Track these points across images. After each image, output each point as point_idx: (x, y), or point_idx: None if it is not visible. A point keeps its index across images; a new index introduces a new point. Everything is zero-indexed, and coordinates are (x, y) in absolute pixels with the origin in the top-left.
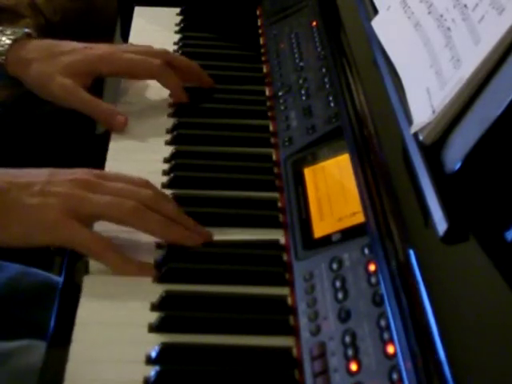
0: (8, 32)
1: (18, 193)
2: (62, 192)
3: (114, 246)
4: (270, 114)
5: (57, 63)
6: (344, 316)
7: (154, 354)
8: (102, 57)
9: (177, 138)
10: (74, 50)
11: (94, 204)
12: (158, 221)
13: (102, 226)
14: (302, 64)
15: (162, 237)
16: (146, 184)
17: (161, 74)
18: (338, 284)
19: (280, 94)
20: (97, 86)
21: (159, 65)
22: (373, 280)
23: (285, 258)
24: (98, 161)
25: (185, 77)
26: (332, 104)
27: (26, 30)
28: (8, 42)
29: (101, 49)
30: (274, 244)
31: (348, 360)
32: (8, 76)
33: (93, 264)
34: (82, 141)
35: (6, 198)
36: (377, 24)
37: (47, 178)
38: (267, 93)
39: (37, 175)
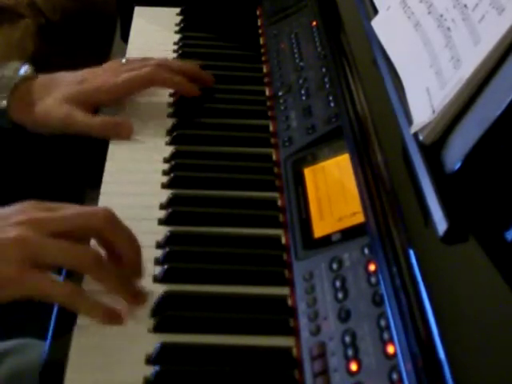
0: (9, 75)
1: None
2: (14, 240)
3: (83, 291)
4: (270, 113)
5: (54, 97)
6: (344, 316)
7: (154, 354)
8: (97, 88)
9: (177, 138)
10: (70, 84)
11: (51, 252)
12: (115, 276)
13: None
14: (302, 64)
15: (117, 293)
16: (103, 211)
17: (157, 77)
18: (338, 284)
19: (280, 94)
20: None
21: (152, 71)
22: (373, 280)
23: (285, 257)
24: (98, 161)
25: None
26: (332, 104)
27: (23, 71)
28: (8, 87)
29: (96, 78)
30: (275, 240)
31: (348, 360)
32: (10, 122)
33: None
34: (81, 141)
35: None
36: (377, 24)
37: None
38: (267, 93)
39: None
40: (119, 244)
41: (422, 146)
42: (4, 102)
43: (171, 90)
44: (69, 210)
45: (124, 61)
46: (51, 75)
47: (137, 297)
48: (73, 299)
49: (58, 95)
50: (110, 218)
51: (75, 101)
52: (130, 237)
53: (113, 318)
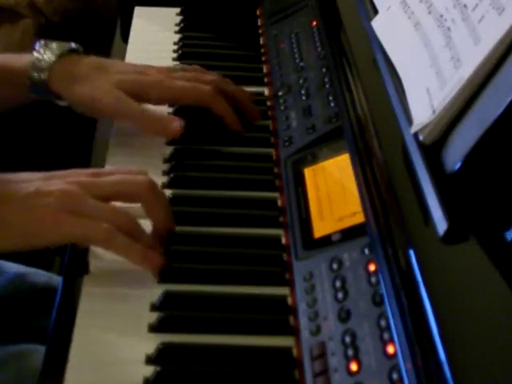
0: (53, 46)
1: (13, 198)
2: (57, 190)
3: (117, 232)
4: (269, 113)
5: (108, 79)
6: (344, 316)
7: (153, 354)
8: (154, 83)
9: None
10: (126, 71)
11: (88, 209)
12: (123, 241)
13: None
14: (302, 64)
15: (126, 257)
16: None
17: (212, 101)
18: (338, 284)
19: (280, 94)
20: None
21: (210, 92)
22: (373, 280)
23: (285, 257)
24: (98, 161)
25: (234, 104)
26: (332, 104)
27: (73, 45)
28: (53, 58)
29: (152, 74)
30: (275, 240)
31: (348, 360)
32: (50, 92)
33: (93, 264)
34: (81, 141)
35: (2, 206)
36: (377, 24)
37: (41, 182)
38: (267, 93)
39: (30, 179)
40: (154, 215)
41: (422, 146)
42: (44, 75)
43: None
44: (113, 176)
45: (174, 65)
46: (103, 58)
47: (147, 259)
48: (109, 239)
49: (111, 79)
50: (152, 188)
51: (128, 89)
52: (166, 211)
53: (147, 259)
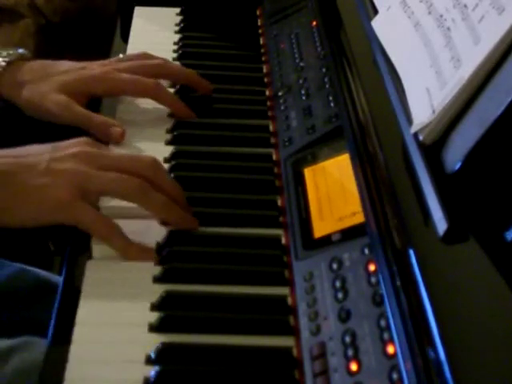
0: (3, 54)
1: (23, 174)
2: (68, 169)
3: (119, 229)
4: (270, 113)
5: (51, 83)
6: (344, 316)
7: (153, 354)
8: (96, 77)
9: (177, 137)
10: (68, 71)
11: (100, 181)
12: (161, 201)
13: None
14: (302, 64)
15: (163, 217)
16: (150, 158)
17: (156, 93)
18: (337, 284)
19: (280, 94)
20: None
21: (153, 86)
22: (373, 280)
23: (285, 257)
24: None
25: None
26: (332, 104)
27: (20, 51)
28: (2, 64)
29: (95, 69)
30: (275, 240)
31: (348, 360)
32: (2, 99)
33: (93, 263)
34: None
35: (13, 180)
36: (377, 24)
37: (50, 155)
38: (267, 93)
39: (39, 153)
40: (163, 188)
41: (422, 146)
42: None
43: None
44: (118, 153)
45: (121, 56)
46: (47, 61)
47: (184, 220)
48: (110, 236)
49: (54, 82)
50: (156, 165)
51: (72, 89)
52: (173, 184)
53: (146, 254)
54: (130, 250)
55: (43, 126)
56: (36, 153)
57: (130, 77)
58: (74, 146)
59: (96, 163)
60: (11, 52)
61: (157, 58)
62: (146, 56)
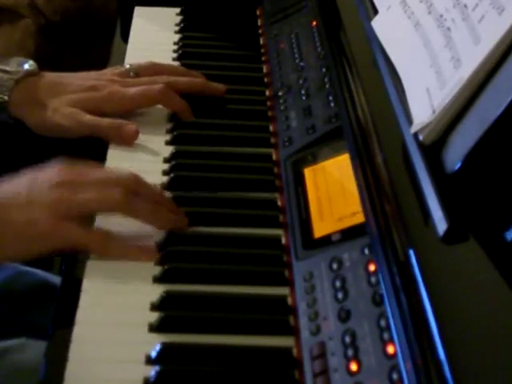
0: (10, 70)
1: (4, 212)
2: (48, 201)
3: (113, 236)
4: (270, 114)
5: (61, 100)
6: (344, 316)
7: (153, 354)
8: (105, 98)
9: (177, 138)
10: (78, 90)
11: (81, 203)
12: (146, 208)
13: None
14: (302, 64)
15: (151, 223)
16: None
17: (164, 99)
18: (338, 284)
19: (280, 94)
20: None
21: (161, 91)
22: (373, 280)
23: (285, 257)
24: (99, 161)
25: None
26: (332, 104)
27: (26, 67)
28: (11, 83)
29: (104, 87)
30: (275, 240)
31: (348, 360)
32: (10, 117)
33: (93, 263)
34: (82, 141)
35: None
36: (377, 24)
37: (28, 190)
38: (267, 93)
39: (16, 188)
40: (146, 194)
41: (421, 146)
42: (5, 97)
43: None
44: (95, 170)
45: (128, 67)
46: (57, 75)
47: (173, 222)
48: (105, 245)
49: (64, 100)
50: (135, 175)
51: (82, 107)
52: (155, 188)
53: (147, 253)
54: (129, 254)
55: (50, 143)
56: (14, 188)
57: (137, 91)
58: (51, 175)
59: (74, 186)
60: (19, 69)
61: (164, 65)
62: (154, 67)
